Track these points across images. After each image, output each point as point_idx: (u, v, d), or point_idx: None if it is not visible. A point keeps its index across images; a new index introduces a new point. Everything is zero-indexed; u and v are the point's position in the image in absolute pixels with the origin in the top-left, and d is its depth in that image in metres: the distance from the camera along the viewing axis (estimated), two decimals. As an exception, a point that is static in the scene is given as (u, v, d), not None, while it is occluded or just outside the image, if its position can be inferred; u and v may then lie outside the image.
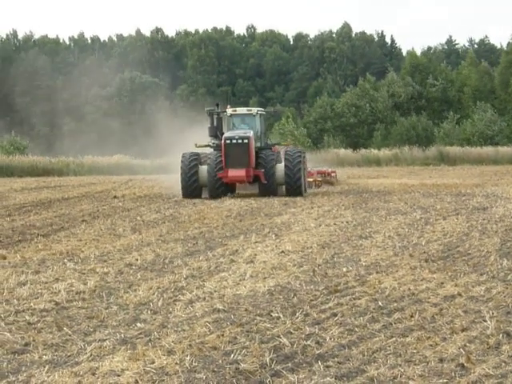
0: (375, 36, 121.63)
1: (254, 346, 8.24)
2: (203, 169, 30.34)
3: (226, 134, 30.12)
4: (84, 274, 13.07)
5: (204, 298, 10.93)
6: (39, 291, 11.51)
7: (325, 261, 14.05)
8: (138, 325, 9.43)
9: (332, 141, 71.04)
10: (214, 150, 30.90)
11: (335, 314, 9.71)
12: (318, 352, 8.09)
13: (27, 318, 9.82)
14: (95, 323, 9.59)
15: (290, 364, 7.68)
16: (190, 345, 8.33)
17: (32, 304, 10.62)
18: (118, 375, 7.33)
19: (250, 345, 8.34)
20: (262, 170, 29.86)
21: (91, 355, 8.07)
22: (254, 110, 31.97)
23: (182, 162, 30.48)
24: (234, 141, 29.48)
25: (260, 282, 12.10)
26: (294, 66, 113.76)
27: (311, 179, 34.10)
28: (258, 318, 9.64)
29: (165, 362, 7.71)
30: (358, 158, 59.99)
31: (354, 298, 10.69)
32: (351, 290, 11.34)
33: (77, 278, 12.64)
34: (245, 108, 33.12)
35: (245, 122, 31.53)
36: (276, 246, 16.12)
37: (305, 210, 24.29)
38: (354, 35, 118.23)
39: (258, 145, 31.06)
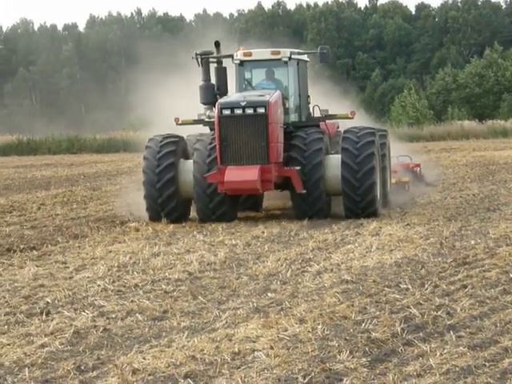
0: (502, 3, 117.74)
1: (384, 316, 8.34)
2: (187, 166, 16.81)
3: (223, 99, 16.65)
4: (213, 245, 13.49)
5: (331, 270, 11.10)
6: (172, 262, 11.98)
7: (452, 233, 13.94)
8: (269, 294, 9.69)
9: (457, 112, 69.16)
10: (211, 129, 17.17)
11: (465, 286, 9.68)
12: (449, 323, 8.12)
13: (163, 286, 10.28)
14: (228, 292, 9.93)
15: (421, 334, 7.74)
16: (320, 314, 8.51)
17: (167, 274, 11.09)
18: (254, 341, 7.60)
19: (380, 315, 8.45)
20: (297, 168, 16.20)
21: (226, 322, 8.39)
22: (286, 52, 17.58)
23: (144, 157, 16.89)
24: (238, 111, 16.01)
25: (387, 254, 12.16)
26: (415, 36, 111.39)
27: (393, 180, 20.17)
28: (386, 289, 9.73)
29: (297, 330, 7.92)
30: (483, 129, 58.20)
31: (484, 271, 10.61)
32: (480, 262, 11.25)
33: (207, 249, 13.06)
34: (268, 49, 18.19)
35: (270, 78, 17.74)
36: (401, 218, 16.08)
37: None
38: (480, 3, 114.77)
39: (294, 119, 17.54)
